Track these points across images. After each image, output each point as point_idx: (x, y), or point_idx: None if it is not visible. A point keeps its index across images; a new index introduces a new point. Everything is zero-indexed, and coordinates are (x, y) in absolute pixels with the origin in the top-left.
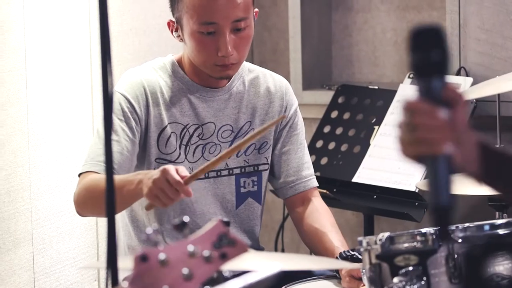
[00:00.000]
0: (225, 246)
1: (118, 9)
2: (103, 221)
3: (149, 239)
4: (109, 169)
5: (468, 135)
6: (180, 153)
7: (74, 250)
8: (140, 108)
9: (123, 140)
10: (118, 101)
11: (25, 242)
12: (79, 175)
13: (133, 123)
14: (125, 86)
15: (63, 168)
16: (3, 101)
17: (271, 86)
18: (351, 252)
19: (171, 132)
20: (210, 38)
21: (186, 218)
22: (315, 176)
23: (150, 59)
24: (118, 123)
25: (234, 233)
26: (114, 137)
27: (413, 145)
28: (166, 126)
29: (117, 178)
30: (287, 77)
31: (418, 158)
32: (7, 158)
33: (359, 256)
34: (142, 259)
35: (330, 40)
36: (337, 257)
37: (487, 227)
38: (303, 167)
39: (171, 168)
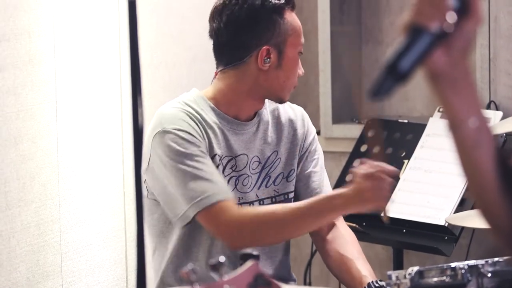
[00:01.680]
0: (260, 287)
1: (148, 42)
2: (132, 255)
3: (184, 278)
4: (139, 195)
5: (463, 53)
6: None
7: (103, 283)
8: (197, 131)
9: (214, 170)
10: (177, 137)
11: (54, 275)
12: (196, 214)
13: (202, 147)
14: (171, 121)
15: (93, 201)
16: (34, 133)
17: (292, 115)
18: (379, 283)
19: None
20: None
21: (222, 258)
22: None
23: (180, 92)
24: (194, 159)
25: (267, 267)
26: (207, 175)
27: (412, 15)
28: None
29: (310, 204)
30: (317, 110)
31: (410, 27)
32: (37, 190)
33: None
34: None
35: (360, 74)
36: (365, 287)
37: None
38: (323, 190)
39: (381, 173)
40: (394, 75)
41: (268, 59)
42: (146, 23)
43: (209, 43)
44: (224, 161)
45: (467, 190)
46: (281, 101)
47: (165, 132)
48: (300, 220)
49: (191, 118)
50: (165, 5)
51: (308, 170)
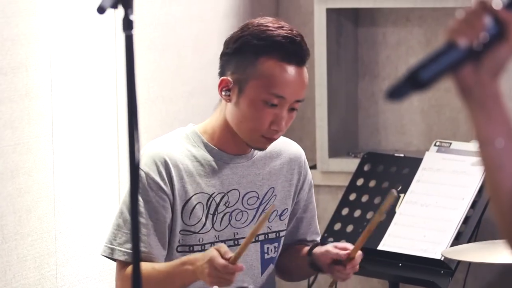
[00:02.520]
0: None
1: (145, 77)
2: None
3: None
4: (135, 229)
5: (493, 76)
6: (205, 223)
7: None
8: (166, 182)
9: (148, 222)
10: (141, 179)
11: None
12: (107, 257)
13: (160, 202)
14: (147, 161)
15: (89, 235)
16: (30, 167)
17: (291, 154)
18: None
19: (197, 203)
20: (269, 109)
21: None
22: (318, 242)
23: (177, 126)
24: (142, 204)
25: None
26: (141, 220)
27: (447, 29)
28: (190, 198)
29: (163, 270)
30: (313, 144)
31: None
32: (33, 224)
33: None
34: None
35: (357, 108)
36: (311, 245)
37: None
38: (309, 232)
39: (214, 255)
40: (413, 81)
41: (228, 92)
42: (143, 57)
43: (206, 78)
44: (217, 199)
45: (463, 223)
46: (250, 146)
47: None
48: (161, 285)
49: (167, 162)
50: (162, 40)
51: (301, 215)
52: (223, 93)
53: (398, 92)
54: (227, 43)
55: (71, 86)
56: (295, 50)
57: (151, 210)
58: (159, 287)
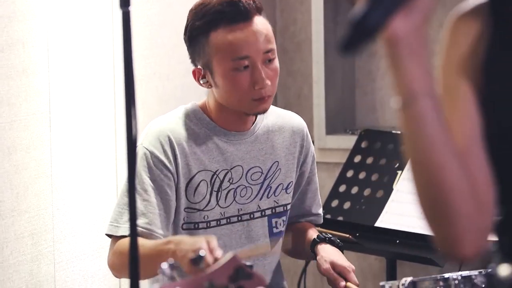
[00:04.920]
0: (242, 279)
1: (142, 53)
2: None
3: (164, 273)
4: (133, 221)
5: (423, 19)
6: (210, 200)
7: None
8: (170, 160)
9: (153, 199)
10: (145, 158)
11: (48, 285)
12: (110, 236)
13: (165, 180)
14: (151, 140)
15: (86, 211)
16: (27, 144)
17: (294, 127)
18: (328, 234)
19: (201, 180)
20: (244, 73)
21: (202, 252)
22: (322, 214)
23: (173, 103)
24: (148, 182)
25: (263, 272)
26: (144, 196)
27: None
28: (194, 175)
29: (148, 246)
30: (310, 121)
31: None
32: (31, 200)
33: (333, 238)
34: None
35: (354, 85)
36: (315, 238)
37: None
38: (314, 204)
39: (204, 248)
40: (362, 30)
41: (204, 79)
42: (140, 34)
43: None
44: (221, 175)
45: None
46: (250, 113)
47: (142, 146)
48: (146, 260)
49: (171, 140)
50: (159, 17)
51: (305, 187)
52: (201, 81)
53: (352, 44)
54: (184, 37)
55: (68, 63)
56: (235, 10)
57: (157, 189)
58: (144, 262)
